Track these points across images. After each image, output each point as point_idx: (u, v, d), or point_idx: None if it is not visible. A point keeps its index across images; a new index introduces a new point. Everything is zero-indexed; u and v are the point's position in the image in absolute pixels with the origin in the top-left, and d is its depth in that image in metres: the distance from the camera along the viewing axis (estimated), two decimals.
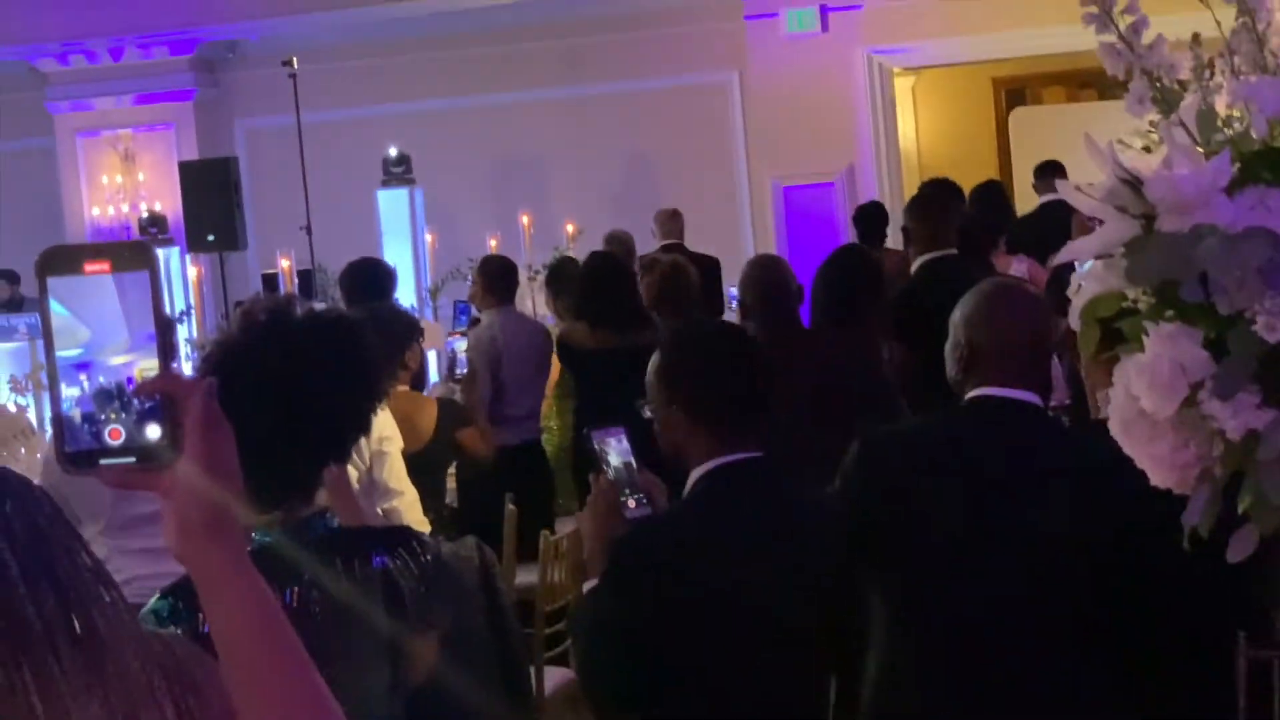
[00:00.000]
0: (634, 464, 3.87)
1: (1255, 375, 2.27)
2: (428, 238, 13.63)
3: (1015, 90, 18.47)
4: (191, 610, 2.76)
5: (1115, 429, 2.32)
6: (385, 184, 14.57)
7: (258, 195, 16.51)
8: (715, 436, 3.79)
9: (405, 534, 3.13)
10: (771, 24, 15.50)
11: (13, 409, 7.87)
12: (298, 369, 2.96)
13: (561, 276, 9.17)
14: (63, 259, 1.59)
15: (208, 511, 1.66)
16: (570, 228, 13.64)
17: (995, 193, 10.64)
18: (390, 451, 6.10)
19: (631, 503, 3.83)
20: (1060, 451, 3.83)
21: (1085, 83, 17.54)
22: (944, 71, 17.56)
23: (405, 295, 12.03)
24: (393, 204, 14.50)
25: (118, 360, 1.61)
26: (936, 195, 7.96)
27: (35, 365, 13.67)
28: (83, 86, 16.76)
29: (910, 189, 16.33)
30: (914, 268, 7.47)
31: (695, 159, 16.34)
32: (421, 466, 6.63)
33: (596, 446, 3.87)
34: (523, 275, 10.66)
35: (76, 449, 1.61)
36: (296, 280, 11.37)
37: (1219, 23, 2.50)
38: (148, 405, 1.61)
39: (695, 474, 3.82)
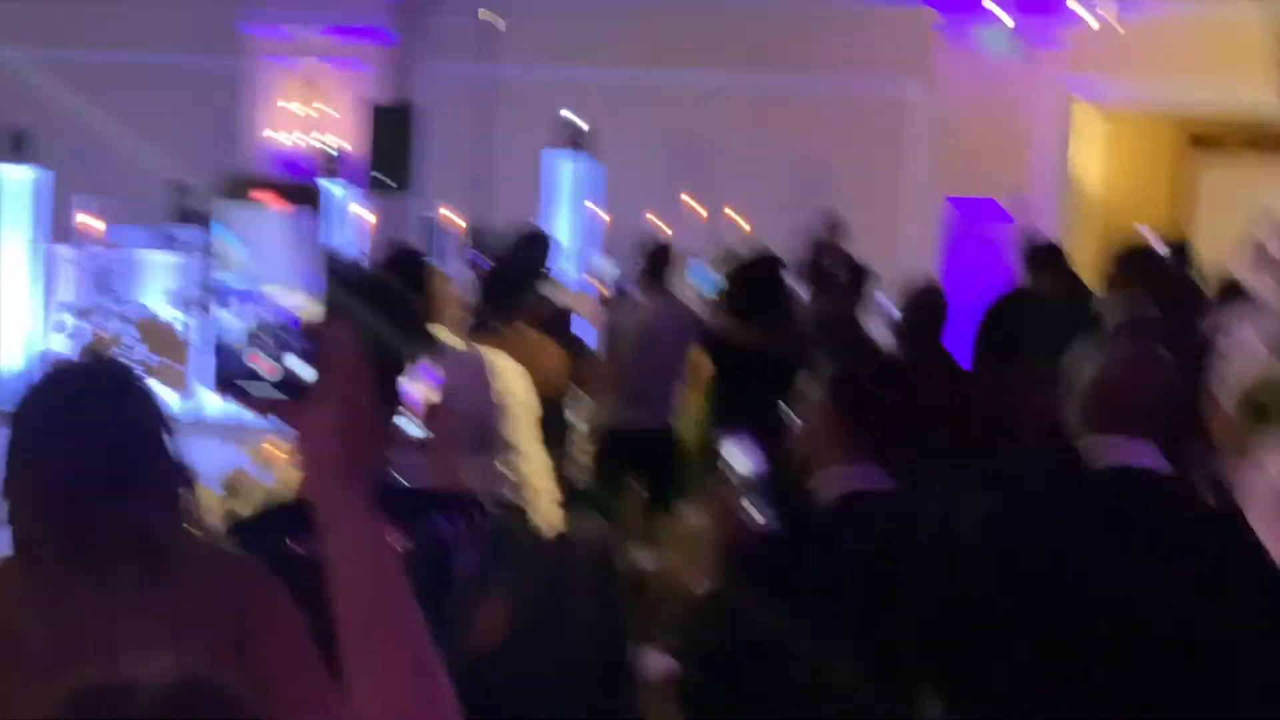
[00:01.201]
0: (760, 472, 3.76)
1: None
2: (598, 212, 13.60)
3: (1207, 144, 18.17)
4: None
5: (1253, 518, 2.27)
6: (560, 149, 14.63)
7: (434, 143, 16.63)
8: (858, 455, 3.73)
9: (466, 500, 3.07)
10: (965, 40, 15.36)
11: (175, 325, 7.97)
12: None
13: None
14: (241, 187, 1.61)
15: (341, 453, 1.69)
16: (738, 221, 13.60)
17: (1187, 254, 10.39)
18: (509, 405, 5.94)
19: (754, 513, 3.75)
20: (1188, 519, 3.75)
21: None
22: (1137, 115, 17.33)
23: (568, 265, 12.06)
24: (565, 170, 14.55)
25: (280, 295, 1.63)
26: (1149, 249, 7.83)
27: (200, 284, 13.88)
28: (277, 11, 16.94)
29: (1086, 230, 16.16)
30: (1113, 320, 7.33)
31: (869, 166, 16.25)
32: (549, 407, 6.59)
33: (722, 451, 3.79)
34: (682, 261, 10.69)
35: (230, 373, 1.64)
36: (459, 235, 11.40)
37: None
38: (301, 344, 1.63)
39: (829, 492, 3.75)
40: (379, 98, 16.46)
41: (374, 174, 15.31)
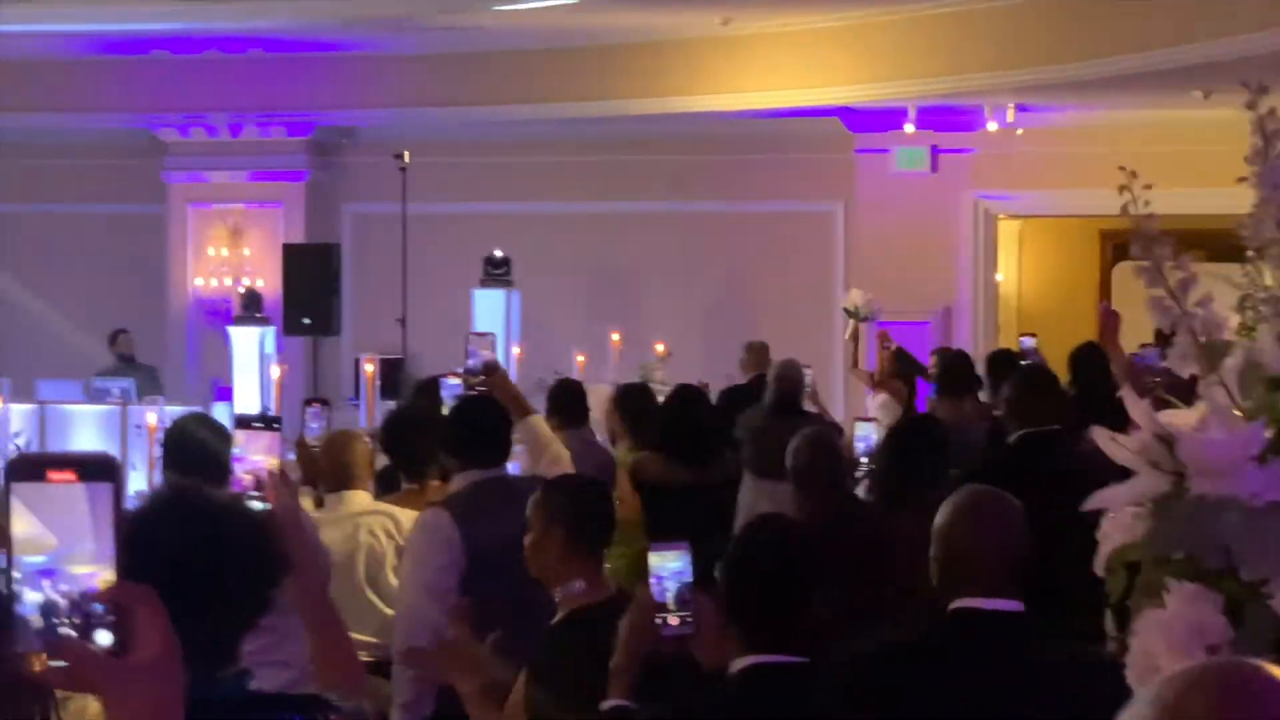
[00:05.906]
0: (688, 583, 3.67)
1: (1271, 645, 2.25)
2: (515, 350, 13.35)
3: (1122, 244, 18.37)
4: None
5: (1131, 679, 2.30)
6: (484, 284, 14.63)
7: (357, 281, 16.65)
8: (751, 638, 3.67)
9: (315, 702, 3.04)
10: (881, 159, 15.55)
11: None
12: (205, 552, 2.87)
13: (635, 404, 9.12)
14: (29, 467, 1.62)
15: (154, 711, 1.69)
16: (660, 348, 13.60)
17: (1097, 357, 10.35)
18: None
19: (674, 620, 3.64)
20: (1044, 665, 3.77)
21: (1193, 243, 17.39)
22: (1051, 220, 17.51)
23: None
24: (489, 305, 14.55)
25: (81, 569, 1.63)
26: (1049, 373, 7.91)
27: (123, 429, 13.85)
28: (199, 159, 16.99)
29: (1007, 335, 16.26)
30: (1014, 439, 7.24)
31: (793, 286, 16.35)
32: None
33: (652, 558, 3.69)
34: (605, 393, 10.70)
35: (28, 649, 1.64)
36: (379, 380, 11.37)
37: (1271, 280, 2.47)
38: (101, 612, 1.64)
39: (732, 667, 3.69)
40: (300, 239, 16.49)
41: (293, 314, 15.33)
